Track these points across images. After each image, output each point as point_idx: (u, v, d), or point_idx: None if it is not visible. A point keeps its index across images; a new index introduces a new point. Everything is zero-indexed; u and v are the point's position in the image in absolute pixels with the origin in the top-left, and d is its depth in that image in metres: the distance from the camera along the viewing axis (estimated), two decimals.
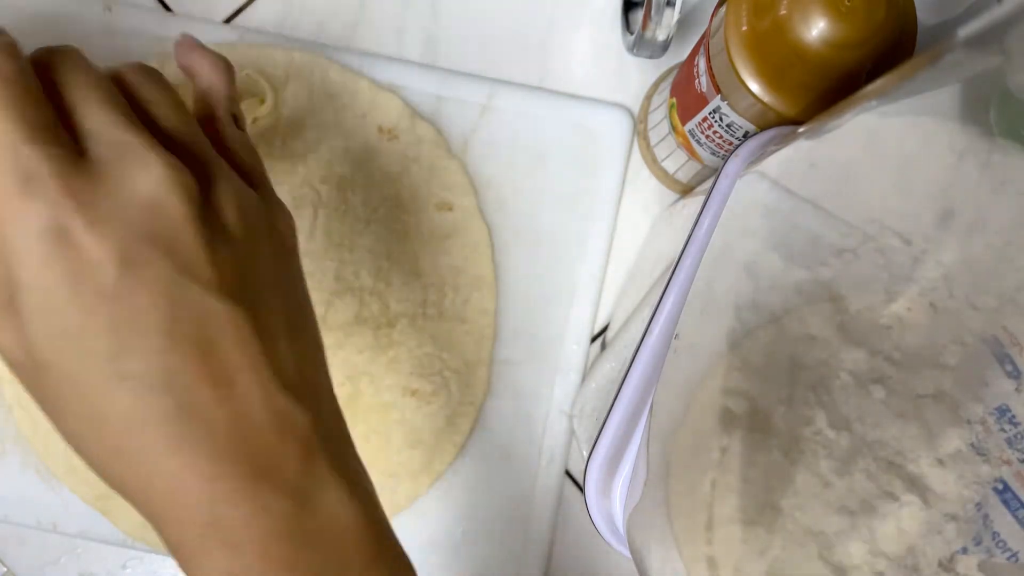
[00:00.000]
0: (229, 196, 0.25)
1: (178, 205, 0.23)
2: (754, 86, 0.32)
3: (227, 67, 0.31)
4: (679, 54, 0.45)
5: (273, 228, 0.27)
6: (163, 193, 0.23)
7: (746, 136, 0.35)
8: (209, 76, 0.30)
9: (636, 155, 0.45)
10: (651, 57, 0.41)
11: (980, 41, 0.23)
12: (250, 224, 0.25)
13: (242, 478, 0.23)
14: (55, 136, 0.22)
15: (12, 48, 0.23)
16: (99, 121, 0.24)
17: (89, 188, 0.22)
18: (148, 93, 0.26)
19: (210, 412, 0.23)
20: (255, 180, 0.28)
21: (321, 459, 0.25)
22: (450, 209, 0.44)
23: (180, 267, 0.23)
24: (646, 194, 0.45)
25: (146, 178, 0.23)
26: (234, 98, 0.31)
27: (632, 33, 0.42)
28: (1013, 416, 0.25)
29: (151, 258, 0.22)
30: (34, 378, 0.24)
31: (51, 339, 0.23)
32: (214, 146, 0.27)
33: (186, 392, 0.23)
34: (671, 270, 0.32)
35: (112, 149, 0.23)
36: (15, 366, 0.24)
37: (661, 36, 0.39)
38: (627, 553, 0.32)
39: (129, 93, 0.26)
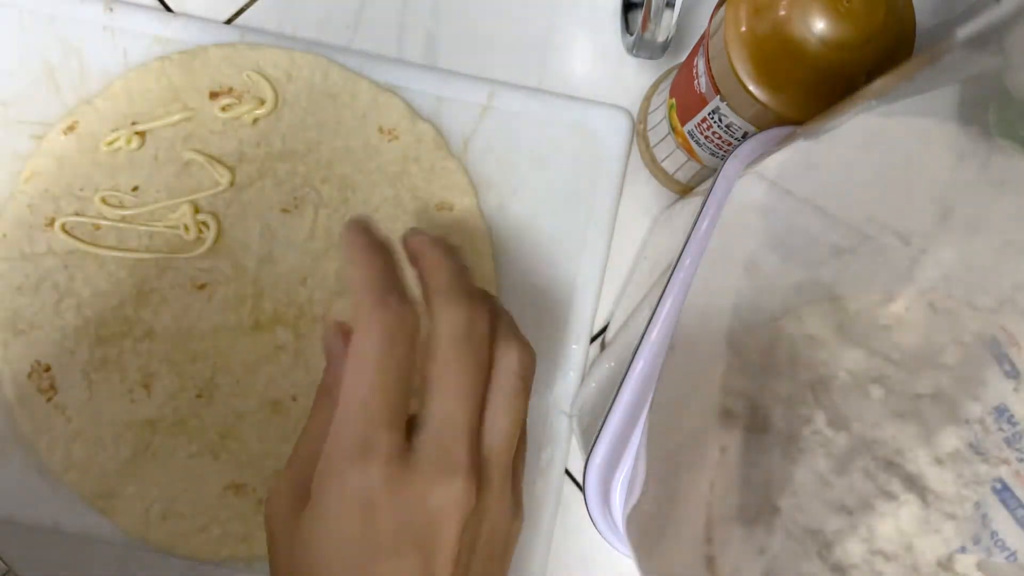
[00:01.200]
0: (491, 521, 0.30)
1: (452, 524, 0.28)
2: (753, 87, 0.32)
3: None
4: (678, 55, 0.45)
5: (508, 545, 0.32)
6: (448, 511, 0.28)
7: (745, 137, 0.35)
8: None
9: (635, 155, 0.45)
10: (650, 58, 0.41)
11: (979, 41, 0.23)
12: (494, 545, 0.31)
13: None
14: (399, 425, 0.29)
15: (413, 329, 0.29)
16: (442, 415, 0.29)
17: (401, 479, 0.28)
18: (501, 405, 0.31)
19: None
20: (516, 488, 0.32)
21: None
22: (450, 209, 0.44)
23: (427, 568, 0.28)
24: (646, 194, 0.45)
25: (444, 493, 0.28)
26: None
27: (632, 34, 0.42)
28: (1011, 416, 0.25)
29: (412, 552, 0.28)
30: (296, 552, 0.30)
31: (323, 548, 0.29)
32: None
33: None
34: (670, 270, 0.32)
35: (433, 454, 0.29)
36: (274, 532, 0.30)
37: (660, 37, 0.39)
38: (627, 553, 0.32)
39: (489, 381, 0.31)
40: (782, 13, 0.30)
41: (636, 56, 0.41)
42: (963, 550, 0.25)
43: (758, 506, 0.26)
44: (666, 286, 0.32)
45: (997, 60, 0.23)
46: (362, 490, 0.28)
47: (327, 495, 0.29)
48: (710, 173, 0.41)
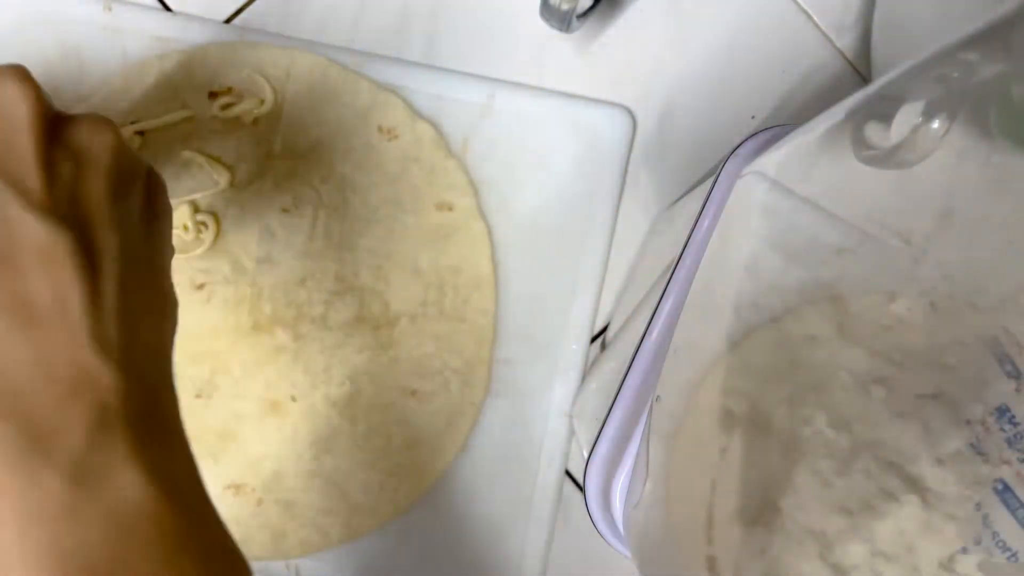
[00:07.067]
0: (84, 123, 0.23)
1: (25, 114, 0.22)
2: None
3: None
4: None
5: (136, 175, 0.25)
6: (13, 100, 0.23)
7: None
8: None
9: (636, 155, 0.45)
10: (561, 30, 0.40)
11: (982, 43, 0.23)
12: (101, 155, 0.23)
13: (10, 441, 0.20)
14: None
15: None
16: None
17: None
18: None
19: None
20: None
21: (118, 433, 0.22)
22: (450, 209, 0.44)
23: (6, 178, 0.21)
24: (646, 194, 0.45)
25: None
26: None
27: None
28: (1013, 416, 0.25)
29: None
30: None
31: None
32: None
33: None
34: (671, 270, 0.32)
35: None
36: None
37: (565, 6, 0.38)
38: (627, 553, 0.32)
39: None
40: None
41: (548, 24, 0.40)
42: (964, 551, 0.25)
43: (759, 507, 0.26)
44: (667, 286, 0.32)
45: (1000, 61, 0.23)
46: None
47: None
48: None
